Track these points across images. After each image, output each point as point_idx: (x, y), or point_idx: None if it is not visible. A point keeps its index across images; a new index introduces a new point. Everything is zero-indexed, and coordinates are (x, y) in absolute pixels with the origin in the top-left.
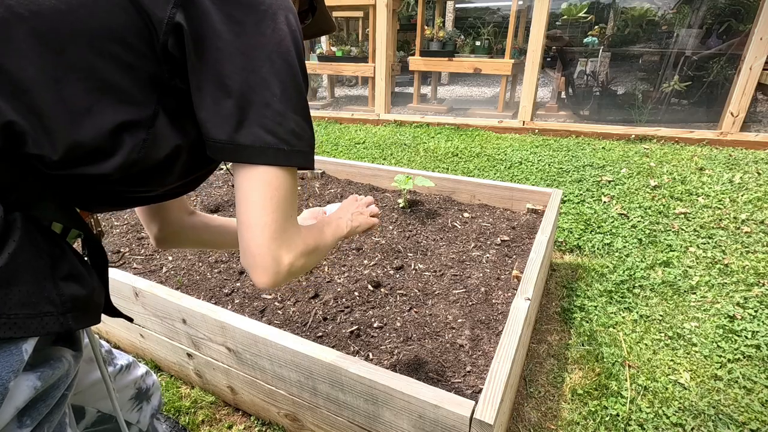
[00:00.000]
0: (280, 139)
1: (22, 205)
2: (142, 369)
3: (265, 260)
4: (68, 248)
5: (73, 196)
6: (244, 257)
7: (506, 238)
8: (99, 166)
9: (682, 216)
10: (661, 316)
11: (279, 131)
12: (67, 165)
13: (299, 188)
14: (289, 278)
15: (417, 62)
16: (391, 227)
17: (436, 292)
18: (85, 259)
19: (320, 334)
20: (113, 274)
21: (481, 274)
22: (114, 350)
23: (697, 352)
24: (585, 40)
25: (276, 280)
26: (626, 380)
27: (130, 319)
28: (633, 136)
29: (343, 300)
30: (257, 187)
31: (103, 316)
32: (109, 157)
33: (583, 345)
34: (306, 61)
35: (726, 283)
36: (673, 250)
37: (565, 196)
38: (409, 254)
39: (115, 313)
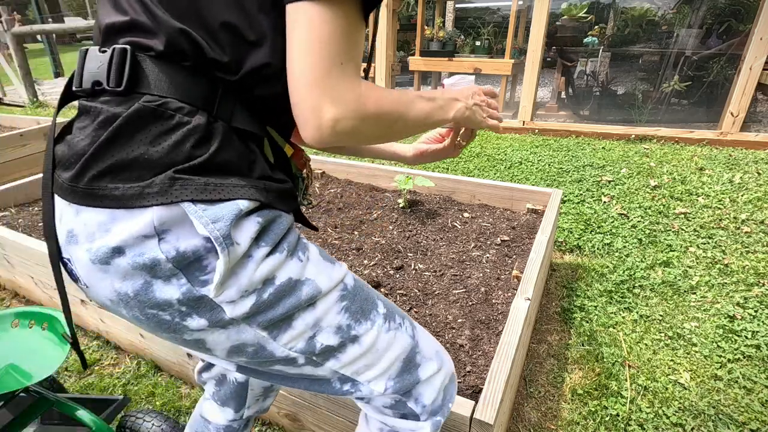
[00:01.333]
0: None
1: (224, 116)
2: None
3: (304, 112)
4: (262, 157)
5: (264, 115)
6: (293, 110)
7: (506, 238)
8: (257, 56)
9: (682, 216)
10: (661, 316)
11: None
12: (239, 65)
13: None
14: (338, 138)
15: (417, 62)
16: (391, 227)
17: (436, 292)
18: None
19: None
20: None
21: (481, 274)
22: None
23: (697, 352)
24: (585, 40)
25: (319, 136)
26: (626, 380)
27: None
28: (633, 136)
29: None
30: (300, 26)
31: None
32: (258, 47)
33: (583, 345)
34: None
35: (726, 283)
36: (673, 250)
37: (565, 196)
38: (409, 254)
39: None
